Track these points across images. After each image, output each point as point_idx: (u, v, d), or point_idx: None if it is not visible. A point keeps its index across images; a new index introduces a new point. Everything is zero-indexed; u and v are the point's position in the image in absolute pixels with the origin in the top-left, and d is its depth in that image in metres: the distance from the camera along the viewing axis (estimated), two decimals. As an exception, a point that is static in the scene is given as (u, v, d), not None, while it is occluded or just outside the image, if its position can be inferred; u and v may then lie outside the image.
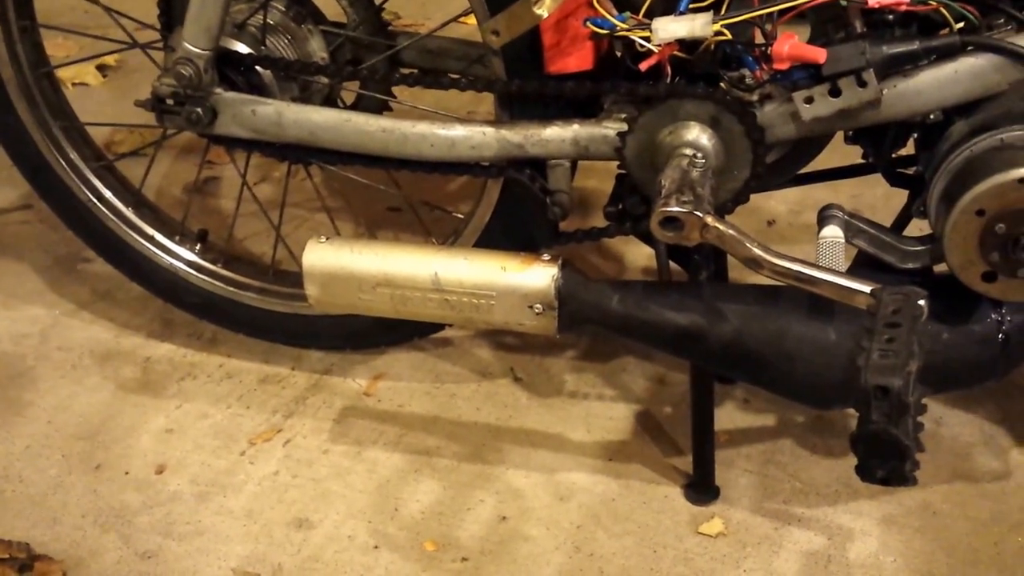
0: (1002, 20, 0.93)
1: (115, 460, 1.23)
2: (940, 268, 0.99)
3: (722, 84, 0.98)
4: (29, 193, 1.45)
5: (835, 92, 0.93)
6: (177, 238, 1.33)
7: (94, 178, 1.32)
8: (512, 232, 1.16)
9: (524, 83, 1.03)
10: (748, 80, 0.97)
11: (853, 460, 0.86)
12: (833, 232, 0.98)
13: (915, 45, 0.93)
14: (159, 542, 1.13)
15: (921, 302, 0.85)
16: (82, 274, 1.50)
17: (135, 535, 1.14)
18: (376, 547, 1.12)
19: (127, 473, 1.22)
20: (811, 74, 0.94)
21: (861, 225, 1.00)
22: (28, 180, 1.34)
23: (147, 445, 1.25)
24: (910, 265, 1.00)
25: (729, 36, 0.94)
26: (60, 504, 1.18)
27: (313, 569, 1.10)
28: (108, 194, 1.32)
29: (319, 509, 1.16)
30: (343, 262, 1.04)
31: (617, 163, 1.04)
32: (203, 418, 1.28)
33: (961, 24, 0.93)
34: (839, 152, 1.08)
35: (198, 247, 1.33)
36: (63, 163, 1.30)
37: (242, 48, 1.13)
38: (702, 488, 1.14)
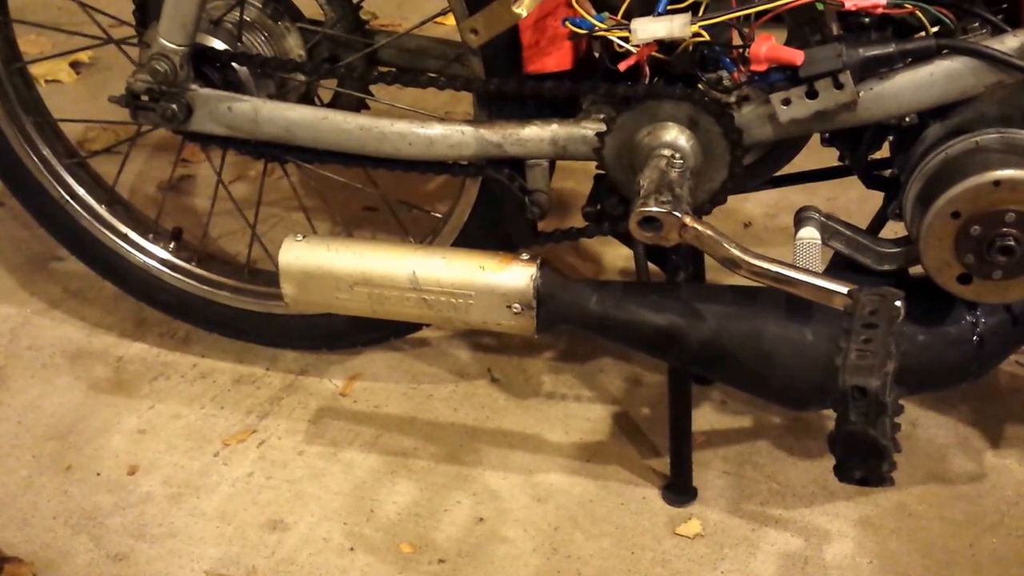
0: (977, 24, 0.94)
1: (86, 461, 1.22)
2: (915, 270, 0.99)
3: (700, 85, 0.98)
4: (1, 190, 1.43)
5: (812, 94, 0.94)
6: (151, 236, 1.32)
7: (67, 175, 1.30)
8: (490, 232, 1.15)
9: (503, 82, 1.03)
10: (726, 81, 0.98)
11: (830, 461, 0.86)
12: (810, 233, 0.98)
13: (891, 48, 0.93)
14: (131, 544, 1.12)
15: (898, 303, 0.85)
16: (54, 272, 1.48)
17: (106, 537, 1.13)
18: (352, 549, 1.11)
19: (99, 474, 1.20)
20: (788, 76, 0.94)
21: (837, 227, 1.00)
22: (-1, 177, 1.33)
23: (119, 446, 1.23)
24: (886, 267, 1.01)
25: (707, 37, 0.94)
26: (30, 505, 1.17)
27: (288, 572, 1.09)
28: (81, 191, 1.31)
29: (294, 511, 1.15)
30: (320, 261, 1.03)
31: (595, 163, 1.04)
32: (176, 419, 1.27)
33: (937, 27, 0.94)
34: (816, 155, 1.09)
35: (172, 245, 1.32)
36: (35, 160, 1.28)
37: (218, 44, 1.12)
38: (680, 489, 1.14)
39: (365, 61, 1.18)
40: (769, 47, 0.93)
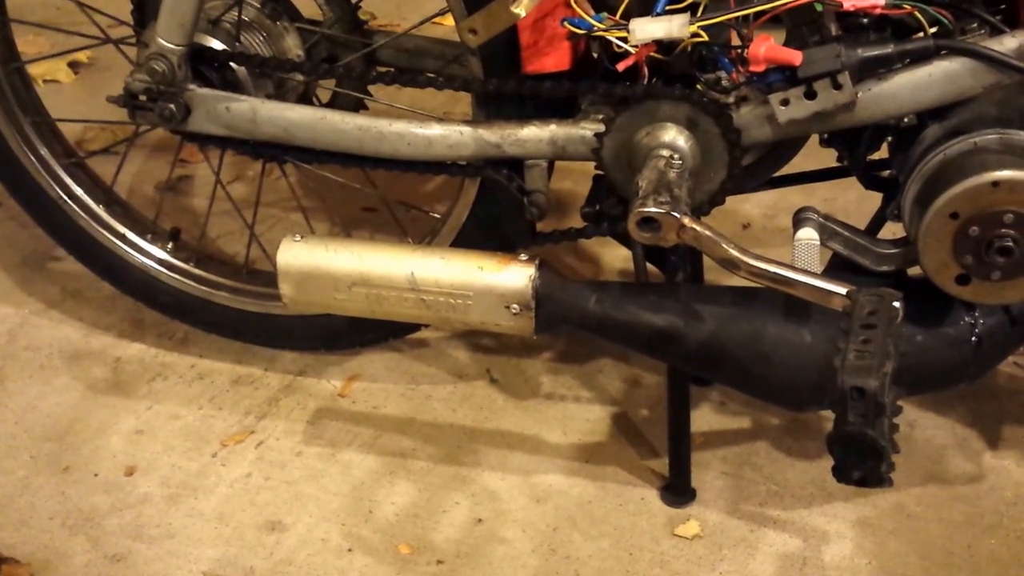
0: (975, 24, 0.94)
1: (84, 462, 1.22)
2: (914, 271, 0.99)
3: (699, 86, 0.98)
4: (-2, 190, 1.43)
5: (810, 94, 0.94)
6: (149, 236, 1.32)
7: (65, 175, 1.30)
8: (489, 232, 1.15)
9: (501, 83, 1.03)
10: (724, 82, 0.98)
11: (828, 462, 0.86)
12: (808, 234, 0.98)
13: (889, 48, 0.93)
14: (128, 545, 1.12)
15: (896, 303, 0.85)
16: (51, 272, 1.48)
17: (104, 538, 1.13)
18: (350, 550, 1.11)
19: (96, 475, 1.20)
20: (787, 76, 0.94)
21: (836, 228, 1.00)
22: (-3, 177, 1.32)
23: (117, 446, 1.23)
24: (884, 268, 1.01)
25: (706, 38, 0.94)
26: (28, 506, 1.17)
27: (286, 573, 1.09)
28: (79, 191, 1.30)
29: (292, 512, 1.15)
30: (318, 261, 1.03)
31: (594, 164, 1.04)
32: (174, 419, 1.27)
33: (935, 28, 0.94)
34: (814, 156, 1.09)
35: (170, 246, 1.32)
36: (33, 159, 1.28)
37: (216, 44, 1.12)
38: (678, 490, 1.14)
39: (363, 61, 1.18)
40: (768, 47, 0.93)
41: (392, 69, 1.16)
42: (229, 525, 1.14)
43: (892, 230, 1.05)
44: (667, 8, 0.95)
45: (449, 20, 1.04)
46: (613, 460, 1.19)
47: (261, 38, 1.15)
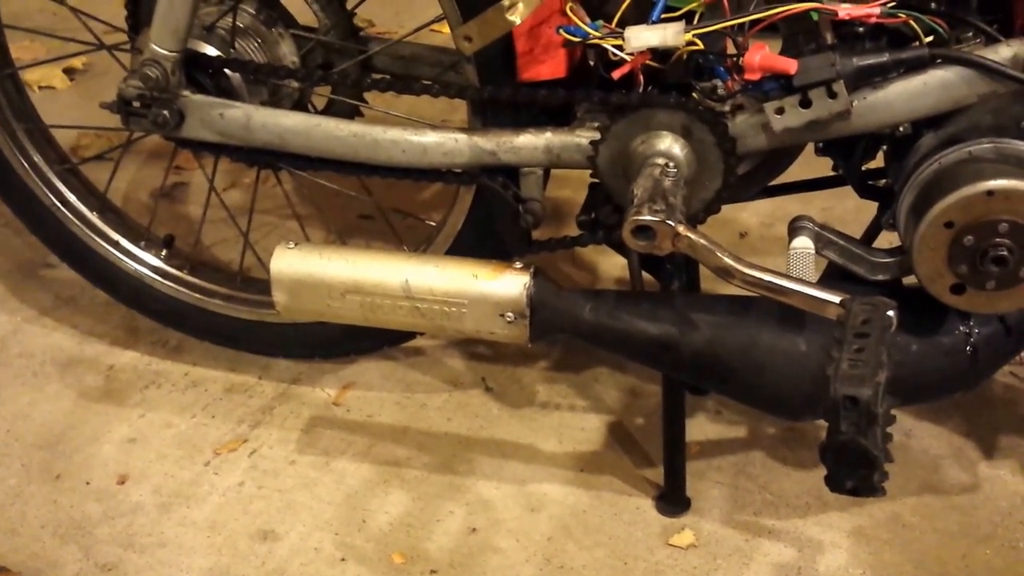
0: (971, 33, 0.94)
1: (76, 470, 1.21)
2: (909, 280, 0.99)
3: (694, 94, 0.98)
4: (-9, 197, 1.42)
5: (806, 103, 0.94)
6: (142, 243, 1.31)
7: (58, 182, 1.30)
8: (484, 240, 1.15)
9: (497, 90, 1.03)
10: (720, 90, 0.98)
11: (823, 472, 0.86)
12: (803, 243, 0.98)
13: (884, 57, 0.93)
14: (120, 554, 1.11)
15: (890, 312, 0.85)
16: (45, 280, 1.48)
17: (95, 546, 1.12)
18: (343, 559, 1.10)
19: (88, 483, 1.19)
20: (782, 85, 0.94)
21: (831, 237, 1.00)
22: (-10, 183, 1.32)
23: (109, 455, 1.23)
24: (879, 277, 1.01)
25: (701, 46, 0.94)
26: (19, 514, 1.16)
27: (278, 581, 1.08)
28: (72, 198, 1.30)
29: (285, 521, 1.14)
30: (312, 268, 1.03)
31: (590, 172, 1.04)
32: (167, 427, 1.26)
33: (930, 37, 0.94)
34: (811, 165, 1.09)
35: (164, 253, 1.32)
36: (26, 166, 1.28)
37: (210, 51, 1.11)
38: (673, 500, 1.14)
39: (359, 68, 1.18)
40: (763, 56, 0.93)
41: (387, 76, 1.16)
42: (221, 534, 1.13)
43: (888, 239, 1.05)
44: (663, 16, 0.95)
45: (447, 28, 1.04)
46: (608, 469, 1.19)
47: (256, 44, 1.15)
